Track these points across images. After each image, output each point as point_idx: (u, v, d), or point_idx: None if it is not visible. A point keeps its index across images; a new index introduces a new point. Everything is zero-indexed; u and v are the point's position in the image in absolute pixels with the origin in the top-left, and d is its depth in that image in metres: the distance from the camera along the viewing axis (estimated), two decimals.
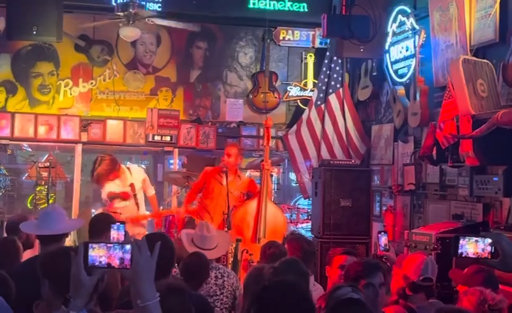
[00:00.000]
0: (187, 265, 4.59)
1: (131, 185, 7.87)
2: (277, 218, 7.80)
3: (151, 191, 8.20)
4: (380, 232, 5.07)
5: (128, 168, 8.09)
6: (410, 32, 8.09)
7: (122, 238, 3.16)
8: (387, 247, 4.90)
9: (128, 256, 2.43)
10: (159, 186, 11.33)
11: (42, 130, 9.43)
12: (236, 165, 7.92)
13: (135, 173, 8.06)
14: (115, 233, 3.27)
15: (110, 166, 7.66)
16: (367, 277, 3.83)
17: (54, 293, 2.99)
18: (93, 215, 5.56)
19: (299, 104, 10.34)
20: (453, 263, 6.27)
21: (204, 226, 5.33)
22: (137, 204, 8.07)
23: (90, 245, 2.45)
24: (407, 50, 8.26)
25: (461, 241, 3.32)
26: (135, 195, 8.00)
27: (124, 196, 7.79)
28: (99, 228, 4.90)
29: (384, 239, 4.91)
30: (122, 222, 3.08)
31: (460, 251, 3.35)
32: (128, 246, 2.44)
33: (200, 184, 7.92)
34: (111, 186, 7.81)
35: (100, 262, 2.43)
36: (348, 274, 3.95)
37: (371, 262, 4.09)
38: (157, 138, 9.66)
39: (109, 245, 2.46)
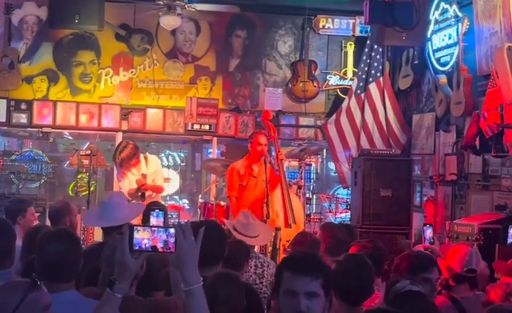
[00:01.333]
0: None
1: (143, 175, 7.87)
2: (298, 204, 7.83)
3: (160, 182, 8.08)
4: (425, 225, 5.01)
5: (146, 158, 8.07)
6: (453, 19, 7.95)
7: (161, 225, 3.17)
8: (432, 240, 4.83)
9: (172, 240, 2.44)
10: (197, 175, 11.40)
11: (83, 118, 9.54)
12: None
13: (151, 164, 8.03)
14: (154, 220, 3.28)
15: (133, 151, 7.75)
16: (425, 271, 3.75)
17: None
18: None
19: (339, 93, 10.25)
20: (496, 254, 6.19)
21: (248, 214, 5.33)
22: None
23: (135, 228, 2.47)
24: (450, 38, 8.12)
25: (510, 230, 3.28)
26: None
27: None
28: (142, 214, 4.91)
29: (429, 232, 4.85)
30: (161, 209, 3.08)
31: (510, 240, 3.31)
32: (172, 230, 2.45)
33: (236, 185, 7.84)
34: (126, 183, 7.83)
35: (145, 245, 2.44)
36: (399, 267, 3.84)
37: (427, 256, 3.99)
38: (196, 127, 9.69)
39: (153, 228, 2.47)
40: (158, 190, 8.04)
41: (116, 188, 9.59)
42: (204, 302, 2.48)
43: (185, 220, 2.65)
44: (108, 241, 4.39)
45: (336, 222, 7.51)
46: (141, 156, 7.97)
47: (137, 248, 2.45)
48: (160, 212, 3.05)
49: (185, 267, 2.44)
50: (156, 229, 2.46)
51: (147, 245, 2.44)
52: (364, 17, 7.72)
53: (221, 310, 3.29)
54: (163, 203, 7.88)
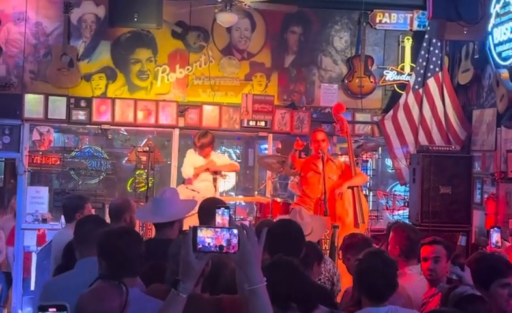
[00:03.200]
0: None
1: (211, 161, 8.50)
2: (365, 203, 7.76)
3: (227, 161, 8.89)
4: (492, 227, 4.88)
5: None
6: None
7: (226, 223, 3.16)
8: (499, 244, 4.71)
9: (235, 240, 2.45)
10: (250, 171, 11.41)
11: (140, 115, 9.64)
12: (328, 149, 7.89)
13: (220, 157, 8.81)
14: (220, 218, 3.27)
15: (212, 139, 8.59)
16: (502, 276, 3.62)
17: (111, 273, 3.09)
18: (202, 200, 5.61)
19: (396, 89, 10.10)
20: None
21: (297, 213, 5.30)
22: (215, 187, 8.50)
23: (198, 228, 2.48)
24: (511, 32, 7.92)
25: None
26: (215, 179, 8.51)
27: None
28: (207, 212, 4.90)
29: (496, 236, 4.73)
30: (227, 207, 3.07)
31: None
32: (236, 230, 2.46)
33: (298, 166, 7.92)
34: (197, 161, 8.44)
35: (208, 245, 2.45)
36: (474, 271, 3.71)
37: (503, 260, 3.82)
38: (252, 123, 9.69)
39: (216, 229, 2.49)
40: (233, 167, 8.89)
41: (173, 184, 9.72)
42: (268, 302, 2.49)
43: (248, 220, 2.66)
44: (164, 238, 4.44)
45: (404, 221, 7.36)
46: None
47: (200, 247, 2.46)
48: (226, 210, 3.04)
49: (248, 266, 2.46)
50: (219, 229, 2.48)
51: (210, 245, 2.46)
52: (427, 12, 7.58)
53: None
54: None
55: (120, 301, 2.72)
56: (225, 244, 2.45)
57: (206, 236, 2.46)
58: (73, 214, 5.69)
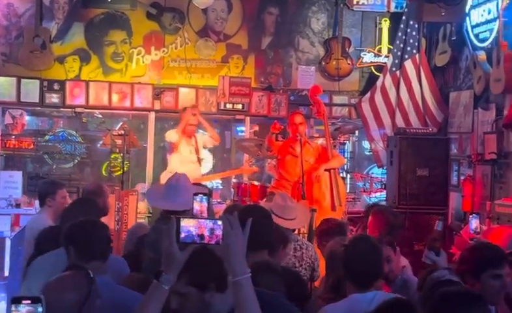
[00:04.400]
0: None
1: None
2: (343, 186, 7.74)
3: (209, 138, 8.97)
4: (471, 214, 4.86)
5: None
6: None
7: (205, 210, 3.10)
8: (478, 230, 4.70)
9: (219, 231, 2.43)
10: (226, 153, 11.33)
11: (115, 98, 9.51)
12: (306, 132, 7.84)
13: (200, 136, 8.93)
14: (198, 205, 3.20)
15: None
16: (495, 267, 3.51)
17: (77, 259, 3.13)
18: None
19: (373, 71, 10.07)
20: None
21: (284, 196, 5.23)
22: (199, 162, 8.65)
23: (181, 218, 2.45)
24: (489, 13, 7.91)
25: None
26: (198, 159, 8.58)
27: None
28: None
29: (474, 222, 4.70)
30: (206, 194, 3.00)
31: None
32: (220, 222, 2.44)
33: (274, 149, 7.89)
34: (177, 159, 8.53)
35: (191, 234, 2.43)
36: (466, 261, 3.61)
37: (497, 250, 3.71)
38: (229, 106, 9.61)
39: (200, 220, 2.46)
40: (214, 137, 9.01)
41: (149, 168, 9.62)
42: (253, 293, 2.46)
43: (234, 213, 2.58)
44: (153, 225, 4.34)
45: (383, 204, 7.34)
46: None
47: (183, 236, 2.43)
48: (204, 197, 2.97)
49: (232, 258, 2.43)
50: (203, 220, 2.45)
51: (194, 234, 2.42)
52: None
53: None
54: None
55: (83, 291, 2.64)
56: (207, 234, 2.42)
57: (188, 225, 2.43)
58: (44, 199, 5.61)
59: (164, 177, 8.09)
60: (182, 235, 2.43)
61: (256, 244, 3.81)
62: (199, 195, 3.27)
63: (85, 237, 3.35)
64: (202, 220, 2.45)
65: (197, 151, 8.63)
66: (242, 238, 2.46)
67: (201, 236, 2.43)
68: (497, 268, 3.48)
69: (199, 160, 8.70)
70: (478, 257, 3.53)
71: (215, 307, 2.63)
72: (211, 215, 3.36)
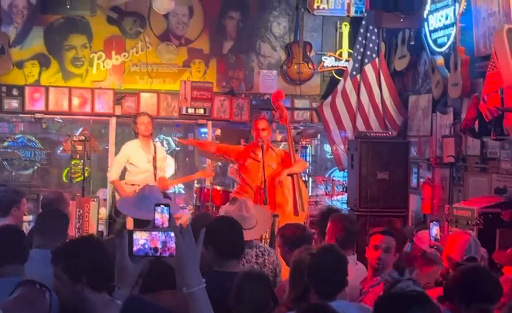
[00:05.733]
0: None
1: (154, 158, 8.39)
2: (305, 191, 7.79)
3: (168, 171, 8.86)
4: (432, 221, 4.92)
5: (154, 144, 8.69)
6: (450, 0, 7.86)
7: (166, 221, 3.09)
8: (438, 237, 4.77)
9: (171, 243, 2.40)
10: (190, 155, 11.30)
11: (75, 103, 9.42)
12: (269, 138, 7.86)
13: (159, 150, 8.73)
14: (159, 216, 3.20)
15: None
16: (489, 303, 3.40)
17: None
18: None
19: (334, 75, 10.15)
20: (497, 238, 6.17)
21: (243, 205, 5.23)
22: (155, 176, 8.41)
23: (133, 231, 2.42)
24: (447, 18, 8.04)
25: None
26: (155, 167, 8.43)
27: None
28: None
29: (435, 229, 4.78)
30: (167, 205, 3.00)
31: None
32: (172, 233, 2.41)
33: (232, 153, 7.87)
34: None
35: (144, 247, 2.40)
36: (455, 285, 3.47)
37: (495, 282, 3.55)
38: (190, 111, 9.58)
39: (153, 232, 2.43)
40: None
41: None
42: (208, 303, 2.45)
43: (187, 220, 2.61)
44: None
45: (343, 211, 7.39)
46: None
47: (136, 249, 2.40)
48: (165, 208, 2.97)
49: (185, 269, 2.41)
50: (155, 233, 2.42)
51: (146, 247, 2.40)
52: (364, 3, 7.60)
53: (245, 309, 3.26)
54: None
55: (44, 307, 2.63)
56: (160, 246, 2.40)
57: (140, 238, 2.40)
58: (9, 208, 5.54)
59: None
60: (135, 248, 2.40)
61: (229, 254, 3.87)
62: (160, 206, 3.26)
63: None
64: (155, 233, 2.42)
65: (155, 160, 8.44)
66: (195, 250, 2.44)
67: (154, 249, 2.40)
68: (492, 304, 3.39)
69: (155, 169, 8.47)
70: (476, 287, 3.40)
71: (89, 302, 2.68)
72: (172, 226, 3.36)
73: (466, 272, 3.55)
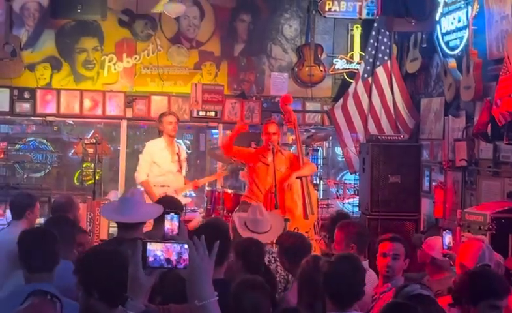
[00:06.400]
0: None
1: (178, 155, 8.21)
2: (315, 195, 7.72)
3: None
4: (445, 230, 4.89)
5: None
6: (463, 2, 7.81)
7: (176, 229, 3.07)
8: (451, 245, 4.74)
9: (185, 254, 2.39)
10: (201, 156, 11.30)
11: (87, 106, 9.43)
12: (279, 141, 7.84)
13: (182, 151, 8.46)
14: (169, 223, 3.18)
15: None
16: (497, 298, 3.38)
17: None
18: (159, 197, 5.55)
19: (346, 77, 10.11)
20: (510, 243, 6.10)
21: (257, 209, 5.22)
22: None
23: (148, 243, 2.41)
24: (459, 21, 7.98)
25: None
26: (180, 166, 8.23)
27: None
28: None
29: (448, 238, 4.75)
30: (177, 212, 2.99)
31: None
32: (186, 245, 2.40)
33: (244, 156, 7.80)
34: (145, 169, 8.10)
35: (158, 259, 2.39)
36: (463, 286, 3.48)
37: (501, 280, 3.58)
38: (201, 113, 9.58)
39: (167, 244, 2.42)
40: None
41: (121, 176, 9.55)
42: None
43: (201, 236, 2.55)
44: (130, 237, 4.35)
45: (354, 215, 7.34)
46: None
47: (150, 260, 2.39)
48: (175, 215, 2.96)
49: (199, 281, 2.40)
50: (169, 244, 2.41)
51: (161, 258, 2.39)
52: (376, 9, 7.56)
53: None
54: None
55: None
56: (175, 258, 2.39)
57: (155, 249, 2.39)
58: (24, 212, 5.54)
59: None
60: (150, 259, 2.39)
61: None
62: (170, 213, 3.25)
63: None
64: (169, 244, 2.41)
65: (180, 160, 8.24)
66: (208, 262, 2.43)
67: (168, 260, 2.39)
68: (499, 299, 3.38)
69: (181, 167, 8.30)
70: (481, 285, 3.43)
71: None
72: (182, 233, 3.34)
73: (472, 273, 3.60)
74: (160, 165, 8.06)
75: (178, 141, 9.18)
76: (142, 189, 7.51)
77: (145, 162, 8.06)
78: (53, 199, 7.25)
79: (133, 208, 4.49)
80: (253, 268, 4.03)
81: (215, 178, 9.03)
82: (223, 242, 3.69)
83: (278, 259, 4.95)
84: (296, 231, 6.68)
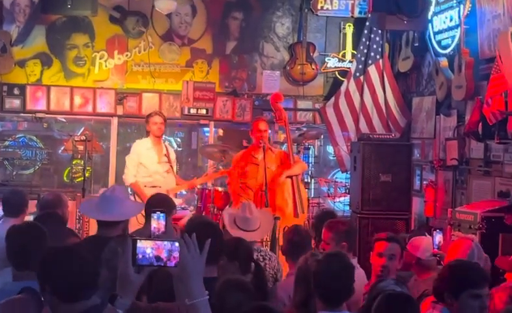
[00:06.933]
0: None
1: (167, 156, 8.11)
2: (305, 193, 7.72)
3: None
4: (435, 230, 4.88)
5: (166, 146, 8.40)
6: (455, 1, 7.81)
7: (162, 227, 3.04)
8: (441, 245, 4.74)
9: (176, 253, 2.37)
10: (193, 155, 11.25)
11: (77, 103, 9.38)
12: (269, 139, 7.81)
13: (171, 152, 8.37)
14: (155, 223, 3.14)
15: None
16: (476, 288, 3.42)
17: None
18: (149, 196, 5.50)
19: (338, 76, 10.09)
20: (499, 243, 6.11)
21: (247, 207, 5.20)
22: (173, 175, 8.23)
23: (138, 240, 2.38)
24: (451, 20, 7.97)
25: None
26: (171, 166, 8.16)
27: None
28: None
29: (438, 237, 4.74)
30: (163, 211, 2.95)
31: None
32: (177, 243, 2.37)
33: (236, 171, 7.73)
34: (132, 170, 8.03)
35: (148, 257, 2.37)
36: (444, 278, 3.51)
37: (479, 270, 3.61)
38: (193, 111, 9.53)
39: (158, 242, 2.40)
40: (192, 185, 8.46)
41: (112, 174, 9.51)
42: None
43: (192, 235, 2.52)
44: (108, 236, 4.28)
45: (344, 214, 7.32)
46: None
47: (140, 258, 2.37)
48: (161, 214, 2.92)
49: (189, 280, 2.37)
50: (160, 242, 2.39)
51: (151, 256, 2.37)
52: (367, 5, 7.54)
53: None
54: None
55: None
56: (165, 255, 2.37)
57: (145, 247, 2.37)
58: (19, 211, 5.51)
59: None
60: (139, 256, 2.37)
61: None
62: (157, 212, 3.21)
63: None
64: (160, 242, 2.38)
65: (170, 161, 8.16)
66: (199, 260, 2.40)
67: (158, 258, 2.37)
68: (478, 288, 3.40)
69: (172, 167, 8.24)
70: (459, 276, 3.44)
71: None
72: (169, 232, 3.30)
73: (449, 267, 3.61)
74: (146, 166, 8.02)
75: (169, 138, 9.13)
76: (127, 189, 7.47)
77: (132, 163, 8.03)
78: (41, 196, 7.20)
79: (114, 206, 4.42)
80: (243, 267, 4.00)
81: (213, 178, 8.88)
82: (216, 240, 3.68)
83: (266, 257, 4.93)
84: (277, 230, 6.65)
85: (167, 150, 8.23)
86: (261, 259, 4.89)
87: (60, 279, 2.76)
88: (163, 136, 8.63)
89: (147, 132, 8.18)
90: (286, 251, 4.81)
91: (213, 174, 8.57)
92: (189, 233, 2.44)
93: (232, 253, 3.90)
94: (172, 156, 8.35)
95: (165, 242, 2.37)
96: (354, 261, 4.88)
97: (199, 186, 8.57)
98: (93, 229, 7.61)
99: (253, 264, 4.14)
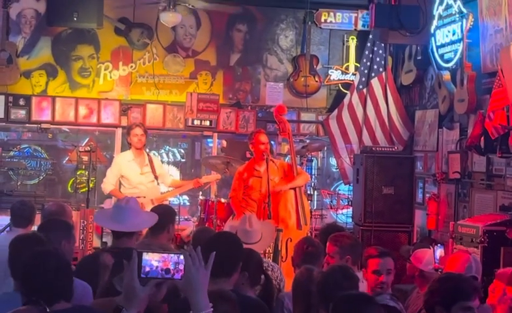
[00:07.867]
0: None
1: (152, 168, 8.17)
2: (307, 205, 7.71)
3: (168, 180, 8.58)
4: (436, 244, 4.90)
5: (150, 158, 8.40)
6: (457, 15, 7.84)
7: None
8: (441, 259, 4.76)
9: (181, 266, 2.40)
10: (196, 165, 11.29)
11: (82, 114, 9.43)
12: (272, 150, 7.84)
13: (157, 164, 8.40)
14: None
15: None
16: (467, 300, 3.42)
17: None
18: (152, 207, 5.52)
19: (341, 88, 10.14)
20: (501, 256, 6.13)
21: (247, 220, 5.22)
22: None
23: (144, 252, 2.41)
24: (454, 34, 8.01)
25: None
26: (156, 177, 8.20)
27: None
28: (162, 222, 4.78)
29: (439, 252, 4.76)
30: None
31: None
32: (182, 256, 2.41)
33: (239, 187, 7.73)
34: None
35: (155, 269, 2.40)
36: (435, 292, 3.49)
37: (469, 281, 3.62)
38: (196, 122, 9.58)
39: (164, 254, 2.43)
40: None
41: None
42: None
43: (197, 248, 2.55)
44: (123, 247, 4.32)
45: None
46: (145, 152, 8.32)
47: (147, 270, 2.40)
48: None
49: (193, 293, 2.41)
50: (165, 255, 2.42)
51: (158, 269, 2.40)
52: (370, 21, 7.61)
53: None
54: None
55: None
56: (172, 268, 2.40)
57: (151, 259, 2.40)
58: (29, 221, 5.52)
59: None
60: (146, 269, 2.40)
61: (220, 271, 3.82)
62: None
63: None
64: (166, 254, 2.42)
65: (154, 171, 8.18)
66: (204, 273, 2.44)
67: (166, 270, 2.40)
68: (469, 300, 3.41)
69: (156, 178, 8.24)
70: (449, 289, 3.44)
71: None
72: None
73: (440, 279, 3.59)
74: (129, 178, 8.08)
75: (172, 149, 9.16)
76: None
77: (112, 174, 8.14)
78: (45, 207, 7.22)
79: (129, 217, 4.46)
80: (252, 279, 4.02)
81: (216, 179, 8.83)
82: (234, 253, 3.72)
83: (269, 268, 4.95)
84: (289, 241, 6.69)
85: (150, 160, 8.24)
86: None
87: (30, 281, 2.81)
88: (164, 147, 8.69)
89: (128, 143, 8.23)
90: (300, 262, 4.80)
91: (197, 182, 8.56)
92: (209, 247, 2.48)
93: (242, 264, 3.94)
94: (158, 165, 8.37)
95: (172, 255, 2.41)
96: (360, 274, 4.90)
97: (201, 197, 8.60)
98: (97, 240, 7.66)
99: (263, 276, 4.17)
